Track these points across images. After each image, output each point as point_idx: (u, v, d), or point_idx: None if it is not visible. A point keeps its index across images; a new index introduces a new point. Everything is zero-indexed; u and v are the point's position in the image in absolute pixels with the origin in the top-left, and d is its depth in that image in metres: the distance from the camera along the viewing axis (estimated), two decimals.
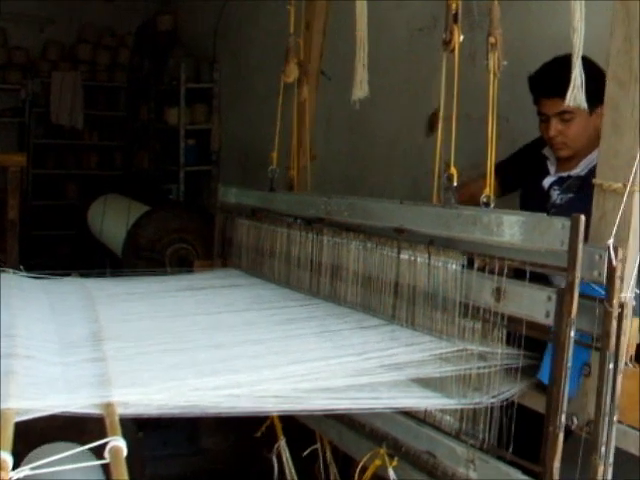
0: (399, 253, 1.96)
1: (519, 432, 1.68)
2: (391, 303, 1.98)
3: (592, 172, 2.46)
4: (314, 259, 2.32)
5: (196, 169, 6.69)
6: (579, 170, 2.48)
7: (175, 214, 4.39)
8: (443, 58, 1.92)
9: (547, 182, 2.57)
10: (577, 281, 1.50)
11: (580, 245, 1.50)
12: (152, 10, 7.56)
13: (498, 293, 1.69)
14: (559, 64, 2.38)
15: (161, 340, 1.85)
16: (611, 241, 1.49)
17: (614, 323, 1.49)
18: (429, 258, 1.85)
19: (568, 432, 1.57)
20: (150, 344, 1.82)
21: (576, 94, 1.68)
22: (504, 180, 2.57)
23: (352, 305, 2.14)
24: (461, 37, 1.81)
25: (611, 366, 1.49)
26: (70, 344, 1.81)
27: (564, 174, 2.53)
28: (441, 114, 1.98)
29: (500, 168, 2.60)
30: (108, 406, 1.43)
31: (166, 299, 2.33)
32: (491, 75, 1.79)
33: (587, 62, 2.49)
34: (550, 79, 2.35)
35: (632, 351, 1.56)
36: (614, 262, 1.48)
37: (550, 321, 1.57)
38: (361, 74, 2.30)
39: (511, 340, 1.71)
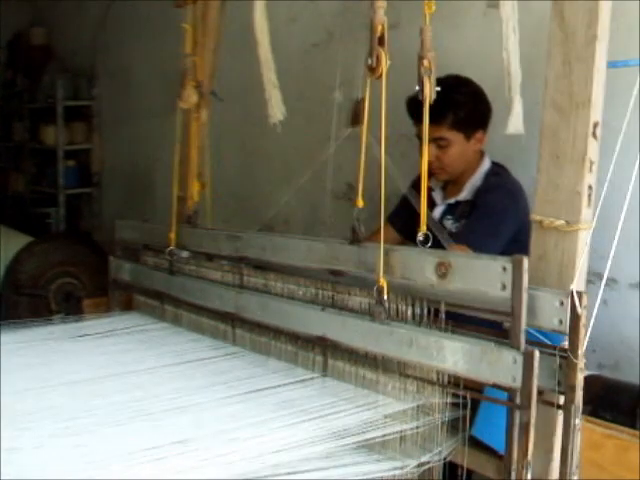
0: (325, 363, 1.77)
1: None
2: None
3: (478, 194, 2.43)
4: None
5: (77, 191, 6.35)
6: (465, 194, 2.45)
7: (58, 245, 4.07)
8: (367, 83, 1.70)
9: (437, 212, 2.51)
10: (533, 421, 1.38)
11: (535, 382, 1.37)
12: (25, 22, 7.16)
13: None
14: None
15: (58, 418, 1.59)
16: (574, 286, 1.37)
17: (580, 376, 1.36)
18: None
19: None
20: (47, 425, 1.56)
21: (516, 121, 1.55)
22: (402, 230, 2.52)
23: None
24: (388, 62, 1.62)
25: (577, 421, 1.37)
26: None
27: (451, 201, 2.49)
28: (366, 104, 1.75)
29: (393, 220, 2.53)
30: None
31: (60, 356, 2.06)
32: (426, 104, 1.62)
33: (471, 86, 2.43)
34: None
35: None
36: (579, 309, 1.34)
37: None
38: (275, 95, 2.11)
39: None
